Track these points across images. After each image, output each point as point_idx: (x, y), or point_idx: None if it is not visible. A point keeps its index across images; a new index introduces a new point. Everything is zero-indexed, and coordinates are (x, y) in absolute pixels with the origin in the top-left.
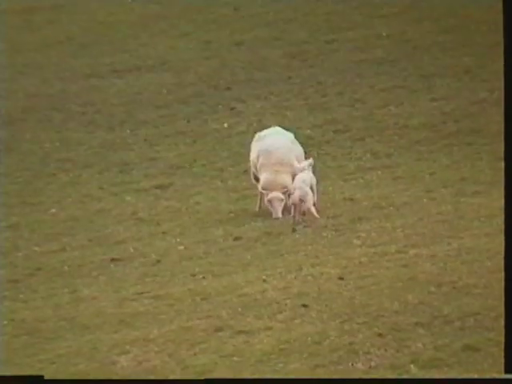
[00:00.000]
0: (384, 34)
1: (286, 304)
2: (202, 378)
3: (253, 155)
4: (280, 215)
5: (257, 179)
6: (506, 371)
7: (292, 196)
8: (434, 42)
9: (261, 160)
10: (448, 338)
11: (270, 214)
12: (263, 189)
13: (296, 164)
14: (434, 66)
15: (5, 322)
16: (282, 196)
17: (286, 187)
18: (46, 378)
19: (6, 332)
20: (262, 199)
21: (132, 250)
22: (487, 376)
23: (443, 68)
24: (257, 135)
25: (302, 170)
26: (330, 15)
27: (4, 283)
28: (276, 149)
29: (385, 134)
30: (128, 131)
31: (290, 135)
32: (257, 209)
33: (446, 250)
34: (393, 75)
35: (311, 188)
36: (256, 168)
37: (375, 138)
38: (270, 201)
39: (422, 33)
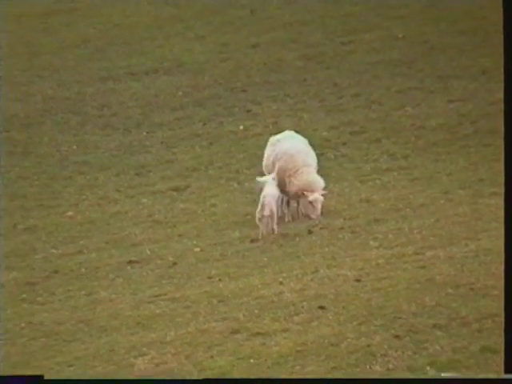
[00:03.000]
0: (400, 36)
1: (302, 306)
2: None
3: (267, 161)
4: (319, 216)
5: None
6: (506, 371)
7: (263, 212)
8: (451, 43)
9: (282, 163)
10: (466, 340)
11: (287, 216)
12: (304, 190)
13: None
14: (451, 67)
15: (22, 325)
16: (321, 197)
17: (325, 188)
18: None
19: (24, 334)
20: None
21: (149, 253)
22: (491, 376)
23: (460, 69)
24: (270, 140)
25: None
26: (346, 17)
27: (22, 286)
28: (297, 151)
29: (401, 135)
30: (144, 134)
31: (304, 139)
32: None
33: (464, 252)
34: (409, 76)
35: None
36: (269, 173)
37: (392, 140)
38: (312, 202)
39: (438, 34)
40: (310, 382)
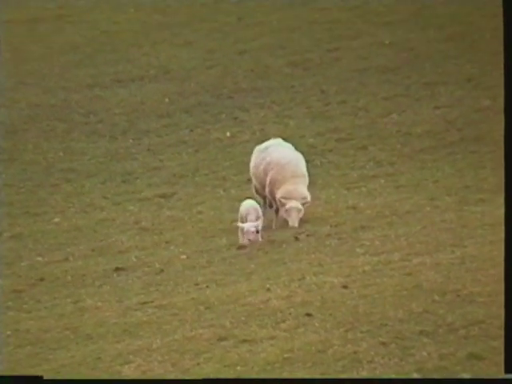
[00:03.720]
0: (387, 42)
1: (289, 313)
2: None
3: (256, 169)
4: (296, 224)
5: (259, 193)
6: (506, 371)
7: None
8: (437, 49)
9: (273, 174)
10: (452, 347)
11: (274, 224)
12: (283, 198)
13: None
14: (437, 74)
15: (8, 333)
16: (301, 206)
17: (305, 198)
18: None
19: (10, 342)
20: (265, 210)
21: (135, 260)
22: (487, 376)
23: (446, 76)
24: (257, 148)
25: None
26: (333, 24)
27: (8, 293)
28: (288, 161)
29: (388, 142)
30: (131, 141)
31: (291, 146)
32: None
33: (450, 258)
34: (395, 83)
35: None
36: (260, 182)
37: (378, 147)
38: (287, 210)
39: (424, 41)
40: (309, 382)
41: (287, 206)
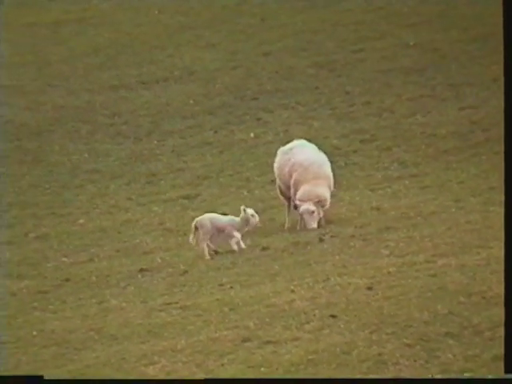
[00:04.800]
0: (411, 43)
1: (314, 314)
2: None
3: (281, 170)
4: (314, 226)
5: (283, 194)
6: (506, 371)
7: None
8: (462, 50)
9: (296, 176)
10: (478, 349)
11: (298, 225)
12: (299, 200)
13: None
14: (462, 75)
15: (34, 333)
16: (313, 207)
17: (319, 198)
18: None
19: (36, 342)
20: (290, 212)
21: (159, 261)
22: (487, 376)
23: (471, 77)
24: (281, 149)
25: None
26: (358, 25)
27: (33, 294)
28: (311, 163)
29: (412, 143)
30: (155, 142)
31: (315, 147)
32: (286, 225)
33: (475, 260)
34: (420, 84)
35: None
36: (284, 183)
37: (402, 148)
38: (301, 214)
39: (449, 42)
40: (306, 382)
41: (300, 210)
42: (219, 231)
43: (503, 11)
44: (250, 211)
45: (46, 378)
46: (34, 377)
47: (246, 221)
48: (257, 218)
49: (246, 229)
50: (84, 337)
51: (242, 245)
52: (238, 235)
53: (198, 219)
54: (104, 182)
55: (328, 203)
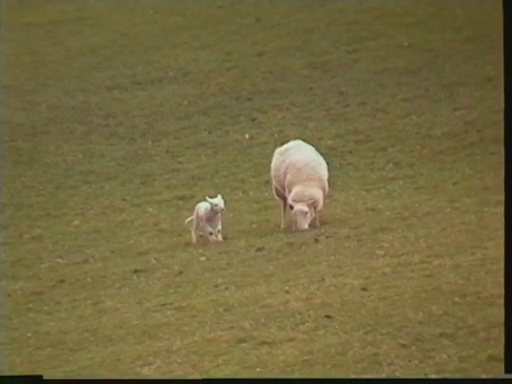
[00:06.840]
0: (406, 44)
1: (308, 315)
2: None
3: (277, 171)
4: (305, 227)
5: (279, 195)
6: (506, 371)
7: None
8: (456, 51)
9: (289, 177)
10: (473, 349)
11: (293, 226)
12: (292, 201)
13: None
14: (456, 75)
15: (29, 334)
16: (306, 208)
17: (313, 199)
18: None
19: (31, 344)
20: (285, 213)
21: (154, 262)
22: (487, 376)
23: (465, 77)
24: (277, 150)
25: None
26: (352, 25)
27: (28, 295)
28: (305, 165)
29: (407, 143)
30: (150, 143)
31: (312, 148)
32: (282, 225)
33: (470, 260)
34: (415, 85)
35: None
36: (280, 184)
37: (397, 148)
38: (294, 214)
39: (443, 42)
40: (301, 382)
41: (293, 211)
42: (201, 220)
43: (503, 11)
44: (213, 201)
45: (44, 378)
46: (34, 377)
47: (211, 210)
48: (221, 204)
49: (216, 218)
50: (79, 338)
51: (218, 237)
52: (207, 226)
53: (197, 205)
54: (99, 183)
55: (320, 205)
